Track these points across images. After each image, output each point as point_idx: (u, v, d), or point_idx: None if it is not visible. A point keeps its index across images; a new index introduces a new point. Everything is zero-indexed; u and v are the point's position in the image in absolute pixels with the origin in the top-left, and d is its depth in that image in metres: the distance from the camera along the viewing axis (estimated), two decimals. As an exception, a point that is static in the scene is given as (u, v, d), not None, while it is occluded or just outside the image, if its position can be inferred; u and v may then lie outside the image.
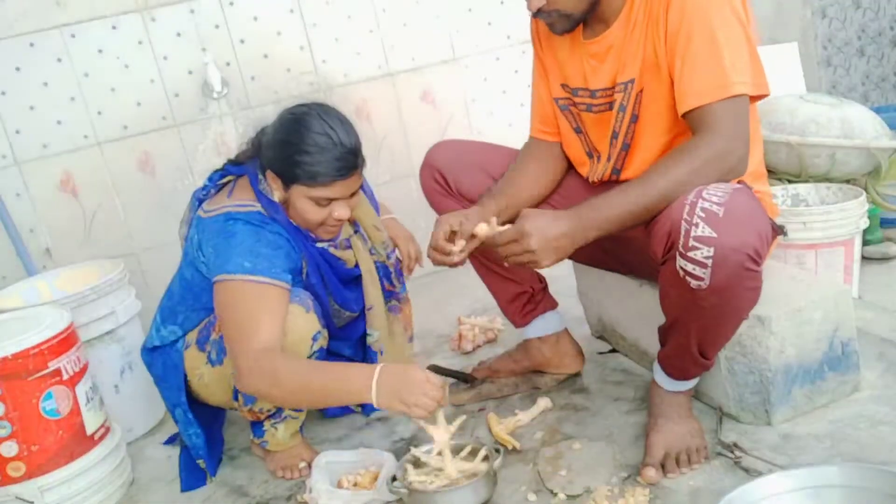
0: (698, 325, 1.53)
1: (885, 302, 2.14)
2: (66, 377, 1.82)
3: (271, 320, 1.65)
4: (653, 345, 1.73)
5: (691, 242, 1.39)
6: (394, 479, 1.61)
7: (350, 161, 1.70)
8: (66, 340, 1.83)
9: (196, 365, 1.88)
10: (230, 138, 2.80)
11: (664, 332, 1.63)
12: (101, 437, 1.93)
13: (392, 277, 2.02)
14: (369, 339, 1.97)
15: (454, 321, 2.57)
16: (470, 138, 2.39)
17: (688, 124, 1.54)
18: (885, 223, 2.57)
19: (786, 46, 3.04)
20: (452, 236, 1.65)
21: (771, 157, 2.40)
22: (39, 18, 2.61)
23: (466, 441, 1.68)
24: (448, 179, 1.89)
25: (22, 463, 1.79)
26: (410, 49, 2.98)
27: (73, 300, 2.06)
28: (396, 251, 2.07)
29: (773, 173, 2.45)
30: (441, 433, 1.60)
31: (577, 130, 1.81)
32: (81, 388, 1.87)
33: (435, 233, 1.67)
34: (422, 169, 1.94)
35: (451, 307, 2.71)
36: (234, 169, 1.86)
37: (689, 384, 1.67)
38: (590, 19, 1.66)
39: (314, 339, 1.74)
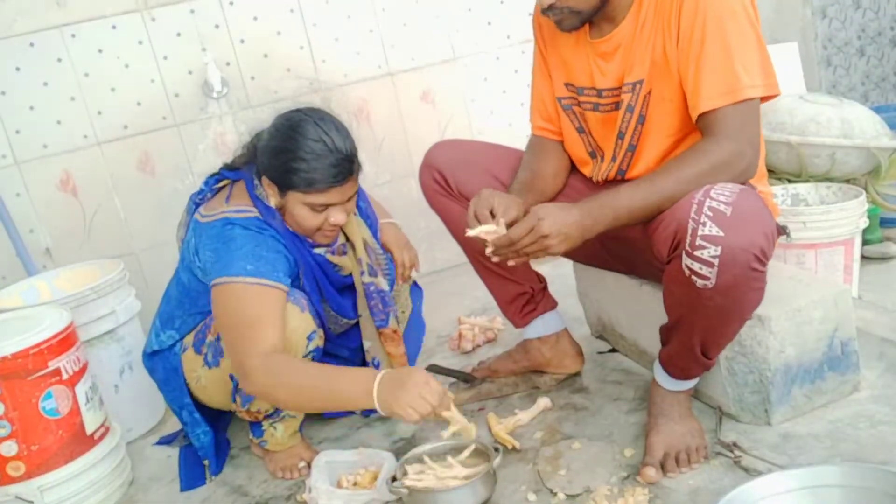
0: (702, 325, 1.53)
1: (884, 302, 2.14)
2: (65, 377, 1.83)
3: (274, 322, 1.65)
4: (653, 344, 1.73)
5: (698, 241, 1.39)
6: (393, 478, 1.61)
7: (346, 167, 1.69)
8: (65, 340, 1.84)
9: (193, 367, 1.88)
10: (230, 138, 2.80)
11: (666, 332, 1.63)
12: (101, 437, 1.93)
13: (377, 302, 1.95)
14: (365, 347, 1.97)
15: (454, 321, 2.57)
16: (470, 138, 2.39)
17: (697, 126, 1.55)
18: (885, 223, 2.57)
19: (786, 46, 3.04)
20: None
21: (771, 156, 2.40)
22: (39, 18, 2.61)
23: (469, 441, 1.68)
24: (448, 179, 1.89)
25: (22, 462, 1.79)
26: (410, 49, 2.98)
27: (72, 300, 2.06)
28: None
29: (773, 173, 2.45)
30: (457, 417, 1.58)
31: (580, 130, 1.81)
32: (81, 388, 1.87)
33: (478, 204, 1.60)
34: (422, 169, 1.94)
35: (451, 307, 2.71)
36: (230, 174, 1.85)
37: (690, 384, 1.67)
38: (597, 18, 1.66)
39: (309, 338, 1.74)
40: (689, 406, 1.69)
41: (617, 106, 1.69)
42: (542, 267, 2.07)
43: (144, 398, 2.24)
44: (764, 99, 1.56)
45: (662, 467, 1.58)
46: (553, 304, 2.04)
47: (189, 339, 1.89)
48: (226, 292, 1.67)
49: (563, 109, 1.83)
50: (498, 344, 2.39)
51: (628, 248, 1.80)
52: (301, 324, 1.73)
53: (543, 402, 1.94)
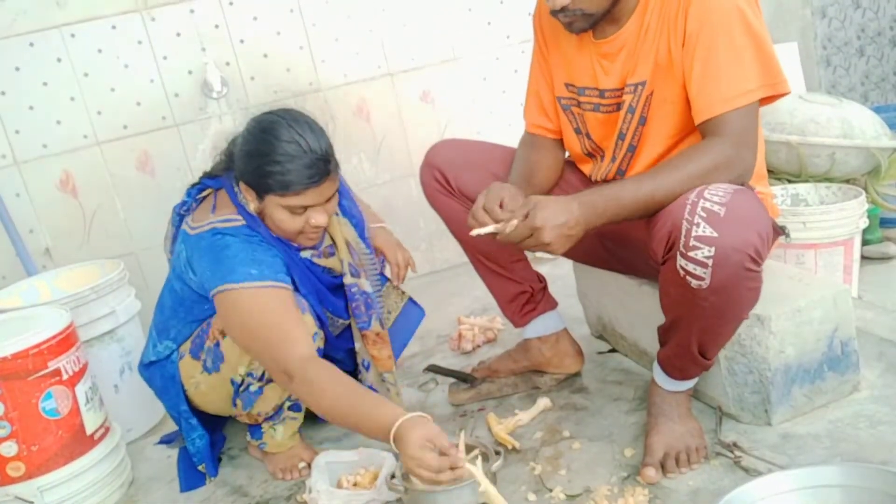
0: (699, 325, 1.53)
1: (884, 302, 2.14)
2: (65, 377, 1.82)
3: (297, 321, 1.65)
4: (652, 345, 1.73)
5: (692, 242, 1.39)
6: (392, 476, 1.61)
7: (321, 167, 1.66)
8: (65, 340, 1.83)
9: (192, 374, 1.86)
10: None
11: (664, 332, 1.63)
12: (101, 437, 1.93)
13: (360, 304, 1.92)
14: (356, 348, 1.95)
15: (454, 321, 2.57)
16: (470, 138, 2.39)
17: (699, 128, 1.56)
18: (885, 223, 2.57)
19: (786, 46, 3.04)
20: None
21: (771, 157, 2.40)
22: (39, 18, 2.61)
23: (474, 444, 1.67)
24: (449, 178, 1.89)
25: (21, 463, 1.79)
26: (410, 49, 2.98)
27: (72, 300, 2.06)
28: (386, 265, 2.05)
29: (773, 173, 2.45)
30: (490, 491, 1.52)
31: (577, 131, 1.81)
32: (81, 388, 1.87)
33: (488, 197, 1.58)
34: (422, 168, 1.94)
35: (451, 307, 2.71)
36: (211, 182, 1.83)
37: (689, 384, 1.68)
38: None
39: (312, 339, 1.74)
40: (689, 406, 1.69)
41: (618, 107, 1.69)
42: (542, 267, 2.07)
43: (144, 398, 2.23)
44: (775, 97, 1.56)
45: (662, 467, 1.58)
46: (553, 304, 2.04)
47: (186, 345, 1.87)
48: (235, 299, 1.65)
49: (562, 110, 1.83)
50: (498, 344, 2.39)
51: (628, 248, 1.80)
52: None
53: (543, 402, 1.94)
